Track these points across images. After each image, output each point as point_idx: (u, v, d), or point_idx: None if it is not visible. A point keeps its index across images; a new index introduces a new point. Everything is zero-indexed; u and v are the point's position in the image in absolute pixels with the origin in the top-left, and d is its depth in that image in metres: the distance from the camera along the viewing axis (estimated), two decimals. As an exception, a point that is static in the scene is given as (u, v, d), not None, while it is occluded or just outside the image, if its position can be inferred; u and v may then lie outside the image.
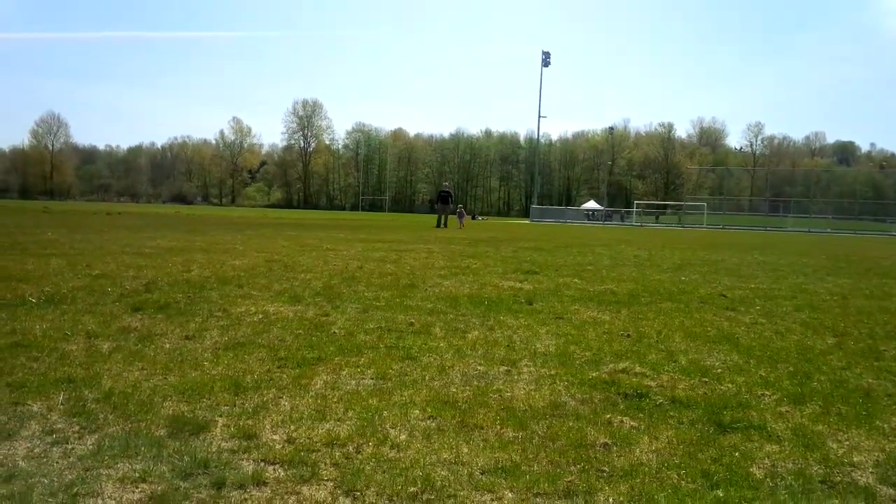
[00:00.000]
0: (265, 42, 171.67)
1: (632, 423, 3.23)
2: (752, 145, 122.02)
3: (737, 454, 2.90)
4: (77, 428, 2.88)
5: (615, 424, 3.21)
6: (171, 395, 3.39)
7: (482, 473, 2.59)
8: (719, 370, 4.35)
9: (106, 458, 2.58)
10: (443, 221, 30.15)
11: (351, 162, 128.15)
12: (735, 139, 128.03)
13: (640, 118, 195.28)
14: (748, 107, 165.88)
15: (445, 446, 2.84)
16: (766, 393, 3.86)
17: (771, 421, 3.36)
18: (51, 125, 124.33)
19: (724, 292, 8.34)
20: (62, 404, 3.17)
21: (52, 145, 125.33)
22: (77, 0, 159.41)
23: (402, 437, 2.94)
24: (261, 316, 5.57)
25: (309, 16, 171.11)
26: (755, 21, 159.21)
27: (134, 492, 2.34)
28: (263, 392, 3.50)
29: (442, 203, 31.20)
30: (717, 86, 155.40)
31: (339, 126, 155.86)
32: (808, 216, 60.88)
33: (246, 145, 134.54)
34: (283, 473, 2.53)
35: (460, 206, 33.94)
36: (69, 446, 2.69)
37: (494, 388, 3.75)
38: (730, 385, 4.01)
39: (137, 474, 2.45)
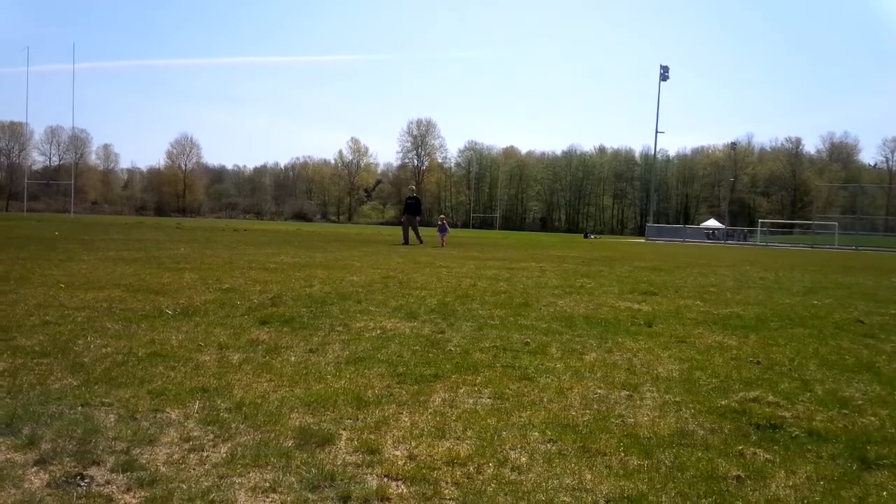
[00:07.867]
0: (381, 64, 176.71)
1: (766, 456, 3.05)
2: (887, 161, 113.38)
3: (884, 493, 2.69)
4: (211, 436, 3.02)
5: (748, 456, 3.04)
6: (298, 406, 3.50)
7: (607, 502, 2.51)
8: (860, 402, 4.05)
9: (238, 466, 2.69)
10: (408, 236, 24.06)
11: (462, 180, 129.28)
12: (869, 154, 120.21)
13: (765, 133, 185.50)
14: (884, 120, 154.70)
15: (567, 471, 2.78)
16: (916, 429, 3.56)
17: (923, 460, 3.09)
18: (184, 146, 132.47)
19: (862, 318, 7.80)
20: (197, 412, 3.33)
21: (185, 165, 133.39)
22: (208, 30, 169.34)
23: (523, 459, 2.90)
24: (379, 331, 5.68)
25: (421, 38, 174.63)
26: (889, 27, 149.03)
27: (265, 501, 2.42)
28: (384, 407, 3.56)
29: (409, 213, 24.71)
30: (848, 98, 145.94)
31: (451, 144, 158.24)
32: (954, 237, 56.20)
33: (363, 164, 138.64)
34: (405, 490, 2.55)
35: (442, 216, 27.14)
36: (204, 454, 2.82)
37: (616, 412, 3.65)
38: (872, 418, 3.73)
39: (268, 484, 2.54)
